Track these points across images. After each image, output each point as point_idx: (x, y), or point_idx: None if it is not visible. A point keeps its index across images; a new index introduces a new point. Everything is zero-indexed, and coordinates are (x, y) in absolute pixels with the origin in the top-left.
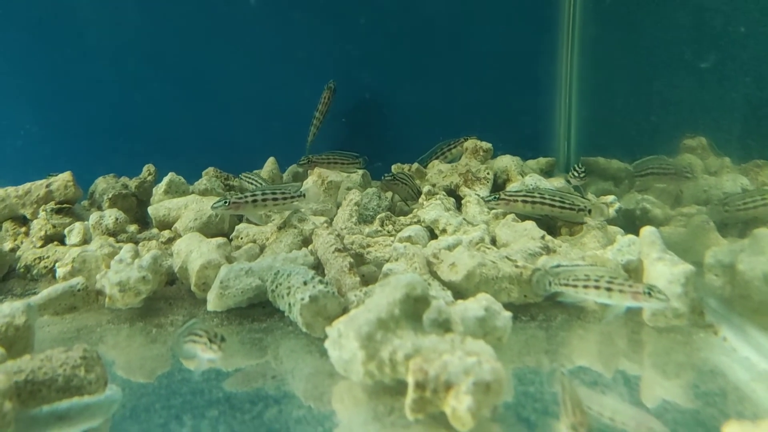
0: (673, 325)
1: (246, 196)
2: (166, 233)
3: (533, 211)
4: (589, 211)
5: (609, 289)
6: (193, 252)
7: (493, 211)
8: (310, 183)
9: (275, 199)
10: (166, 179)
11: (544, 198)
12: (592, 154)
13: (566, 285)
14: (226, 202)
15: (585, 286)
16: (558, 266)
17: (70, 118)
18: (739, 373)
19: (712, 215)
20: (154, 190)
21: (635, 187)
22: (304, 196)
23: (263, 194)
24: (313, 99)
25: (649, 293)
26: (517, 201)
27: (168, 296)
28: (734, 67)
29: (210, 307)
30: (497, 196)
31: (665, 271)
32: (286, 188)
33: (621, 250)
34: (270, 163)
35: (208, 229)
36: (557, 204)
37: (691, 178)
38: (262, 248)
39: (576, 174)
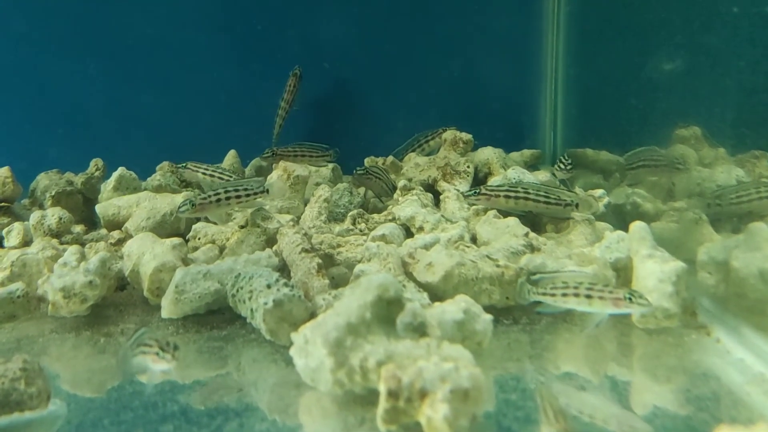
0: (663, 326)
1: (210, 196)
2: (116, 234)
3: (516, 207)
4: (577, 206)
5: (589, 297)
6: (145, 254)
7: (474, 207)
8: (274, 177)
9: (239, 197)
10: (115, 175)
11: (528, 193)
12: (579, 145)
13: (545, 294)
14: (192, 204)
15: (564, 294)
16: (536, 274)
17: (8, 109)
18: (733, 376)
19: (703, 209)
20: (102, 186)
21: (627, 180)
22: (267, 191)
23: (226, 192)
24: (279, 87)
25: (630, 299)
26: (499, 196)
27: (118, 303)
28: (728, 51)
29: (164, 314)
30: (477, 191)
31: (655, 269)
32: (249, 183)
33: (609, 248)
34: (230, 157)
35: (162, 228)
36: (542, 199)
37: (683, 169)
38: (222, 249)
39: (562, 167)
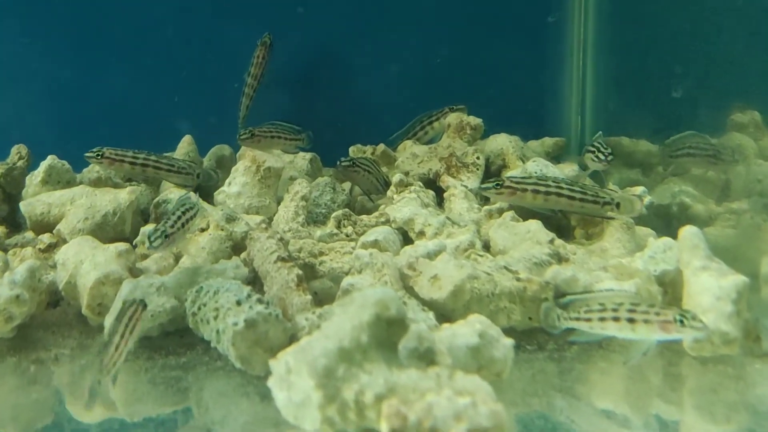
0: (721, 354)
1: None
2: (46, 237)
3: (546, 205)
4: (618, 205)
5: (631, 320)
6: (84, 263)
7: (486, 207)
8: (241, 169)
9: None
10: (43, 165)
11: (561, 188)
12: (613, 133)
13: (578, 320)
14: (165, 236)
15: (601, 319)
16: (565, 296)
17: None
18: None
19: (765, 210)
20: (27, 179)
21: (669, 170)
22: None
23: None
24: (244, 59)
25: (682, 321)
26: (526, 190)
27: (50, 322)
28: None
29: None
30: (499, 182)
31: (711, 285)
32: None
33: (654, 258)
34: (185, 144)
35: (104, 231)
36: (578, 195)
37: (731, 162)
38: (178, 257)
39: (602, 156)
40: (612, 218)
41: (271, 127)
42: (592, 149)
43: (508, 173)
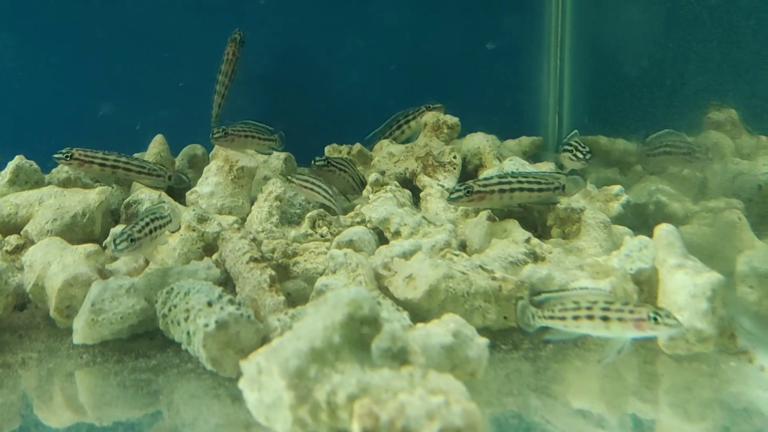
0: (696, 351)
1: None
2: (13, 239)
3: (511, 202)
4: (563, 188)
5: (605, 319)
6: (52, 264)
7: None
8: (213, 169)
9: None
10: (11, 165)
11: (521, 182)
12: (590, 132)
13: (553, 318)
14: (131, 240)
15: (575, 318)
16: (540, 294)
17: None
18: None
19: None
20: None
21: (647, 168)
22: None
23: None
24: (217, 57)
25: (656, 319)
26: (493, 192)
27: (17, 325)
28: None
29: (77, 339)
30: (468, 188)
31: (687, 282)
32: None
33: (630, 256)
34: (157, 143)
35: (73, 232)
36: (535, 186)
37: (706, 160)
38: (149, 259)
39: (580, 155)
40: (557, 202)
41: (245, 127)
42: (570, 148)
43: (483, 173)
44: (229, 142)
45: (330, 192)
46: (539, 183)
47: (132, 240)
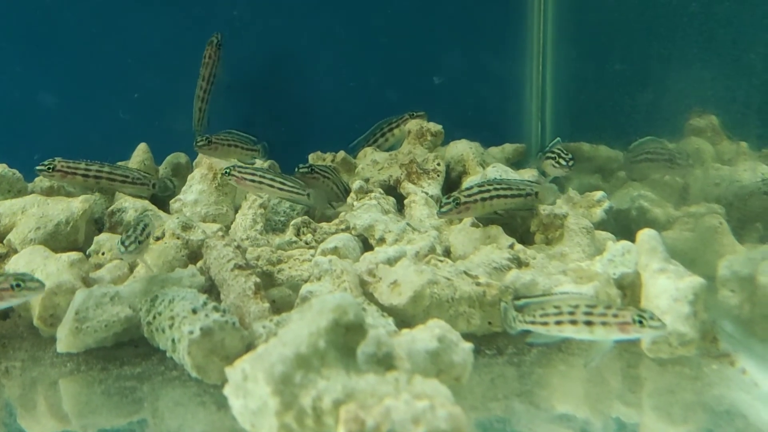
0: (679, 355)
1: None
2: None
3: (492, 209)
4: (536, 194)
5: (589, 323)
6: (36, 272)
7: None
8: (197, 177)
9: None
10: None
11: (499, 189)
12: (573, 138)
13: (534, 323)
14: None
15: (558, 323)
16: (521, 298)
17: None
18: (763, 412)
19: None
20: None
21: (630, 174)
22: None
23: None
24: (196, 61)
25: (640, 321)
26: (476, 202)
27: (0, 334)
28: (752, 22)
29: (61, 347)
30: (456, 200)
31: (669, 286)
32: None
33: (613, 261)
34: (140, 152)
35: (56, 241)
36: (509, 193)
37: (687, 166)
38: (133, 266)
39: (563, 162)
40: (531, 208)
41: (228, 136)
42: (553, 155)
43: (467, 180)
44: (212, 150)
45: (289, 182)
46: (511, 189)
47: (139, 242)
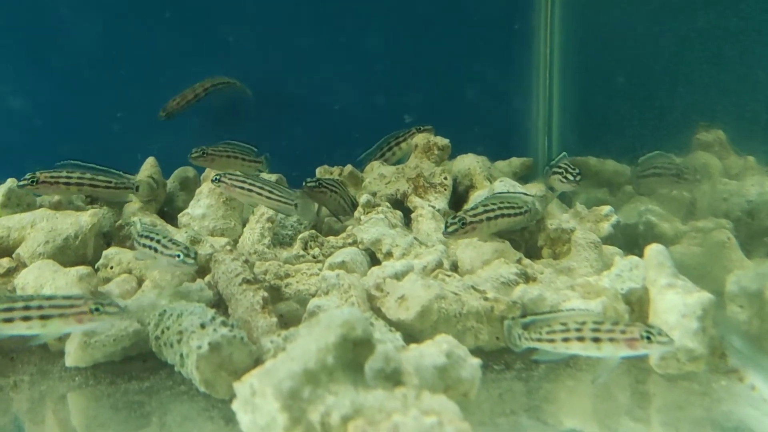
0: (687, 371)
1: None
2: (5, 262)
3: (497, 229)
4: (528, 212)
5: (597, 339)
6: (45, 287)
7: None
8: (205, 191)
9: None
10: (3, 188)
11: (502, 207)
12: (579, 153)
13: (541, 340)
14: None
15: (565, 339)
16: (526, 316)
17: None
18: None
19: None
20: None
21: (638, 189)
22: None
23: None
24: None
25: (648, 337)
26: (482, 222)
27: (9, 348)
28: (760, 39)
29: (69, 361)
30: (463, 220)
31: (677, 302)
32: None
33: (620, 276)
34: (148, 166)
35: (65, 255)
36: (511, 212)
37: (694, 181)
38: (141, 281)
39: (570, 177)
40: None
41: (227, 147)
42: (559, 170)
43: (475, 195)
44: (208, 161)
45: (277, 191)
46: (514, 208)
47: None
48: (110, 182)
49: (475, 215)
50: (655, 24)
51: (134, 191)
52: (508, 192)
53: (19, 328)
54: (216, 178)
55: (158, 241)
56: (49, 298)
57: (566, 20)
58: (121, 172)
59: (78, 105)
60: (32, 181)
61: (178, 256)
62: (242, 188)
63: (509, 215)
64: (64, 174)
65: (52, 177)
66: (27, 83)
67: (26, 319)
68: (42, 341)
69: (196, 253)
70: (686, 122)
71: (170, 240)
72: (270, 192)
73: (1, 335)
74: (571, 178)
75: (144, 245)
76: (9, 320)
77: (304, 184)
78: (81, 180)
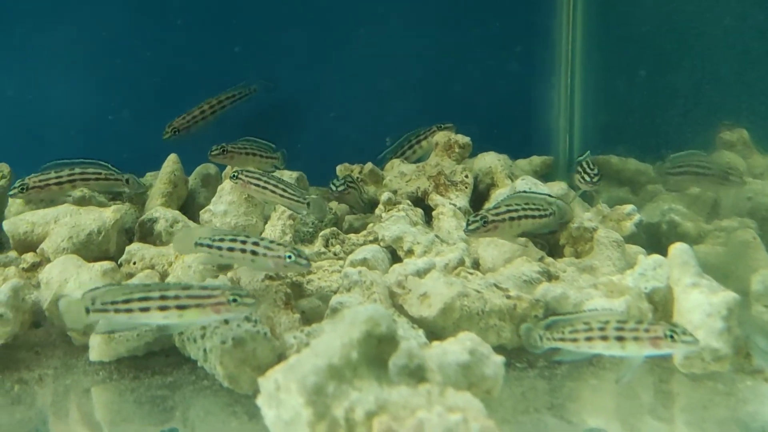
0: (712, 370)
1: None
2: (29, 257)
3: (519, 230)
4: (553, 213)
5: (620, 339)
6: (69, 281)
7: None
8: (227, 188)
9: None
10: None
11: (526, 208)
12: (601, 151)
13: (563, 340)
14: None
15: (588, 339)
16: (548, 316)
17: None
18: None
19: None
20: (9, 198)
21: (667, 185)
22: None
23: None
24: (231, 78)
25: (672, 336)
26: (504, 221)
27: (33, 342)
28: None
29: (93, 356)
30: (485, 219)
31: (702, 301)
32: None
33: (644, 275)
34: (170, 163)
35: (88, 250)
36: (537, 213)
37: (739, 182)
38: (164, 276)
39: (587, 178)
40: (555, 231)
41: (246, 144)
42: (580, 170)
43: (496, 193)
44: (228, 159)
45: (290, 189)
46: (539, 210)
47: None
48: (100, 173)
49: (497, 214)
50: (679, 22)
51: (125, 183)
52: (532, 191)
53: (155, 317)
54: (234, 175)
55: (256, 243)
56: (186, 287)
57: (589, 17)
58: (108, 164)
59: (96, 101)
60: (22, 189)
61: (289, 257)
62: (258, 185)
63: (533, 216)
64: (53, 175)
65: (41, 181)
66: (47, 80)
67: (163, 308)
68: (173, 331)
69: (304, 253)
70: (711, 121)
71: (270, 241)
72: (284, 190)
73: (137, 324)
74: (588, 179)
75: (231, 249)
76: (145, 309)
77: (332, 186)
78: (72, 176)
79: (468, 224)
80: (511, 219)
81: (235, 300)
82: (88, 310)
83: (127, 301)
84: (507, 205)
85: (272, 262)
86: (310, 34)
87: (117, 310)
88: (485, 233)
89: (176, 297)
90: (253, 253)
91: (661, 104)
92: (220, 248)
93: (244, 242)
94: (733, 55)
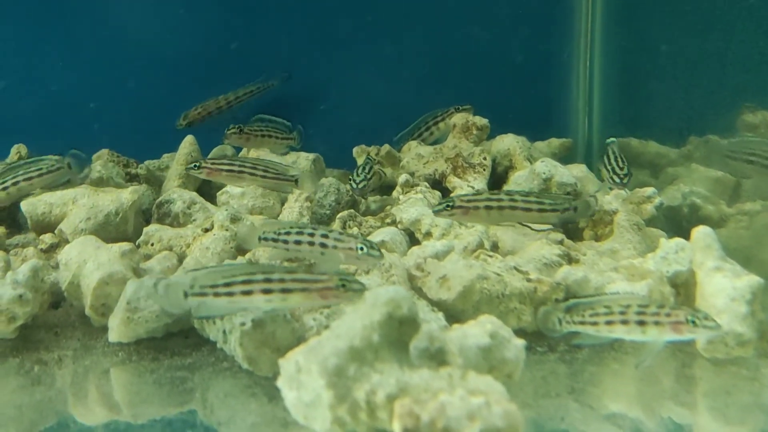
0: (735, 355)
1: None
2: (48, 237)
3: (502, 220)
4: (575, 209)
5: (642, 323)
6: (87, 262)
7: None
8: None
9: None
10: None
11: (515, 200)
12: (621, 133)
13: (583, 323)
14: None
15: (609, 323)
16: (568, 299)
17: None
18: None
19: None
20: None
21: (717, 165)
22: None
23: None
24: (250, 63)
25: (694, 321)
26: (478, 208)
27: (52, 323)
28: None
29: (113, 337)
30: (450, 203)
31: (726, 285)
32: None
33: (666, 258)
34: (187, 144)
35: (106, 231)
36: (534, 207)
37: None
38: (182, 258)
39: (616, 179)
40: (574, 221)
41: (262, 125)
42: (609, 167)
43: (515, 175)
44: (244, 140)
45: (272, 168)
46: (539, 203)
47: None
48: (41, 169)
49: (468, 200)
50: (703, 1)
51: (68, 168)
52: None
53: (258, 301)
54: (196, 165)
55: (324, 236)
56: (291, 271)
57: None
58: (50, 156)
59: (116, 84)
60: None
61: (361, 248)
62: (231, 171)
63: (528, 210)
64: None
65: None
66: (69, 63)
67: (267, 291)
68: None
69: (375, 244)
70: (731, 104)
71: (339, 232)
72: (265, 170)
73: (237, 308)
74: (618, 180)
75: (297, 242)
76: (247, 293)
77: (355, 184)
78: (16, 179)
79: (438, 203)
80: (488, 208)
81: (344, 285)
82: (186, 294)
83: (228, 284)
84: (491, 193)
85: (343, 254)
86: (329, 18)
87: (217, 294)
88: (449, 217)
89: (281, 281)
90: (323, 245)
91: (683, 86)
92: (286, 242)
93: (312, 234)
94: (757, 36)
